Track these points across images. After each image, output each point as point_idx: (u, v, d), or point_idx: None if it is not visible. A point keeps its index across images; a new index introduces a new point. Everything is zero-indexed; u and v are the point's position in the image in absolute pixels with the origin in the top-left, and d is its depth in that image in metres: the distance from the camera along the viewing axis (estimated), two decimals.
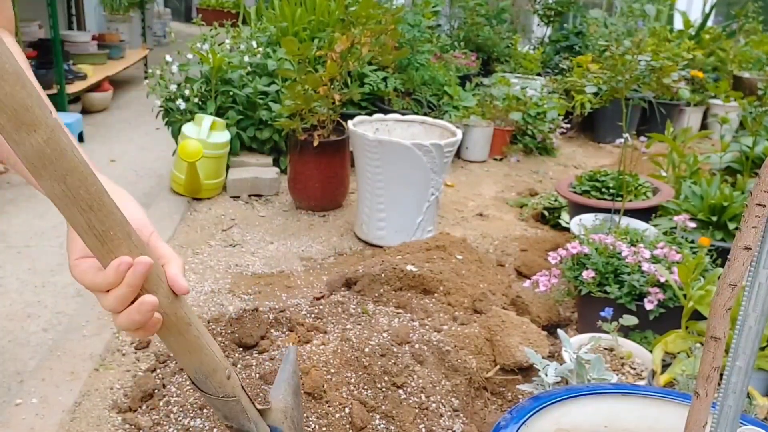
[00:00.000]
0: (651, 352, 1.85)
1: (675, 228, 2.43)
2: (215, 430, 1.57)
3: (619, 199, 2.77)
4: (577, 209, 3.01)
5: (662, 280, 1.98)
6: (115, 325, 0.70)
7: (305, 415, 1.60)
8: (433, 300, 2.19)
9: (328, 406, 1.63)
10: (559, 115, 4.72)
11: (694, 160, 3.25)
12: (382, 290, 2.20)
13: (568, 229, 3.02)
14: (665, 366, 1.80)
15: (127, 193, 0.80)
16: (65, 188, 0.61)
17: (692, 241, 2.31)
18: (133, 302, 0.67)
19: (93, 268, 0.68)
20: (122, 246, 0.66)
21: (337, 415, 1.62)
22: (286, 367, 1.01)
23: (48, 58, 4.71)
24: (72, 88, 4.83)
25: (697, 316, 1.89)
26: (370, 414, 1.65)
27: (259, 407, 0.90)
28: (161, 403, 1.73)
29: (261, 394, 1.65)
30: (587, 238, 2.26)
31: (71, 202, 0.62)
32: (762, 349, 1.76)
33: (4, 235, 2.99)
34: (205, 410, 1.64)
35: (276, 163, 3.80)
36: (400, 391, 1.72)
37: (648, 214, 2.82)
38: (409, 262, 2.33)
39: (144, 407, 1.75)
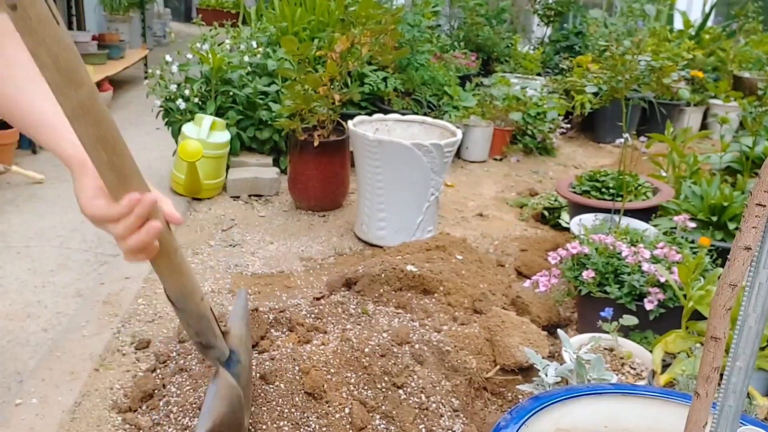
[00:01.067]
0: (651, 352, 1.84)
1: (675, 228, 2.43)
2: None
3: (619, 199, 2.77)
4: (577, 209, 3.01)
5: (662, 280, 1.98)
6: (121, 249, 0.87)
7: (305, 414, 1.60)
8: (433, 300, 2.19)
9: (328, 406, 1.63)
10: (559, 115, 4.72)
11: (694, 160, 3.25)
12: (382, 290, 2.20)
13: (568, 229, 3.02)
14: (665, 366, 1.80)
15: None
16: (98, 132, 0.79)
17: (692, 241, 2.31)
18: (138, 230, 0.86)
19: (105, 204, 0.85)
20: (133, 181, 0.84)
21: (338, 416, 1.62)
22: (239, 304, 1.22)
23: None
24: None
25: (697, 316, 1.89)
26: (371, 414, 1.65)
27: (222, 329, 1.09)
28: (161, 403, 1.73)
29: (260, 393, 1.65)
30: (587, 238, 2.26)
31: (101, 145, 0.80)
32: (762, 349, 1.76)
33: (4, 235, 2.99)
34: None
35: (276, 163, 3.80)
36: (400, 391, 1.72)
37: (648, 214, 2.82)
38: (409, 262, 2.33)
39: (144, 407, 1.75)
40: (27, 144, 4.10)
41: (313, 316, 2.08)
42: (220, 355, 1.13)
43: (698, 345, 1.80)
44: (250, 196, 3.51)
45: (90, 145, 0.80)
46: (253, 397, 1.63)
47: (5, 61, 0.95)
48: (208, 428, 1.10)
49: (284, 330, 1.98)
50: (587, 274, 2.09)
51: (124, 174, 0.83)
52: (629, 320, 1.94)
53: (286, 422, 1.59)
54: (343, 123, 3.28)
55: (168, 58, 3.82)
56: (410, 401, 1.70)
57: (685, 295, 1.92)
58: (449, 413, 1.72)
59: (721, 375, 0.79)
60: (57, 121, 0.91)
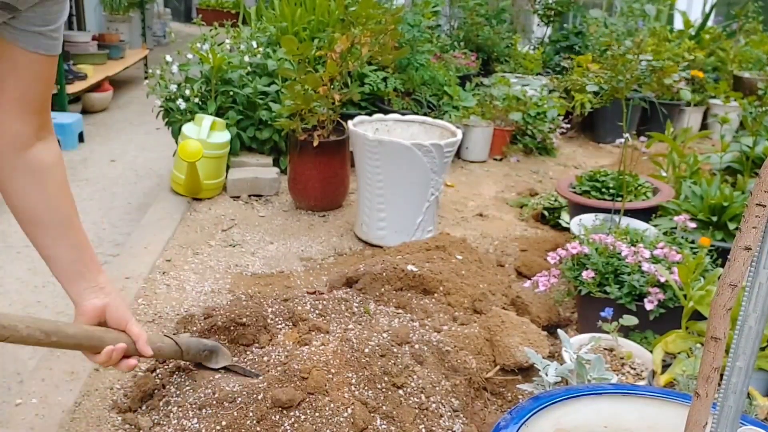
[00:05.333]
0: (651, 352, 1.84)
1: (675, 228, 2.43)
2: (214, 430, 1.57)
3: (619, 199, 2.77)
4: (577, 209, 3.01)
5: (662, 280, 1.98)
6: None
7: (307, 412, 1.60)
8: (433, 300, 2.19)
9: (332, 404, 1.63)
10: (559, 115, 4.72)
11: (695, 160, 3.25)
12: (382, 290, 2.20)
13: (568, 229, 3.01)
14: (665, 366, 1.80)
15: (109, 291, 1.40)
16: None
17: (692, 242, 2.31)
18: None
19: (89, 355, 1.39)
20: (106, 342, 1.35)
21: (340, 417, 1.61)
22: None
23: None
24: (72, 88, 4.83)
25: (697, 316, 1.89)
26: (372, 414, 1.65)
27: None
28: (161, 403, 1.73)
29: (263, 394, 1.65)
30: (587, 238, 2.26)
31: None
32: (762, 349, 1.76)
33: (3, 235, 2.99)
34: (204, 410, 1.64)
35: (276, 163, 3.80)
36: (400, 391, 1.72)
37: (648, 214, 2.82)
38: (409, 262, 2.33)
39: (144, 407, 1.75)
40: None
41: (316, 312, 2.07)
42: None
43: (698, 345, 1.80)
44: (250, 196, 3.51)
45: (71, 346, 1.28)
46: (254, 399, 1.63)
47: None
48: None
49: (286, 323, 1.98)
50: (587, 274, 2.09)
51: (96, 344, 1.32)
52: (629, 320, 1.94)
53: (288, 423, 1.59)
54: (343, 123, 3.28)
55: (168, 58, 3.82)
56: (410, 401, 1.70)
57: (685, 296, 1.92)
58: (449, 413, 1.72)
59: (721, 375, 0.79)
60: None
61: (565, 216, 3.28)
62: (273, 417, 1.59)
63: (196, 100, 3.71)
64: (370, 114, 3.45)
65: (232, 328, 1.95)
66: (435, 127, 3.19)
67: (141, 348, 1.39)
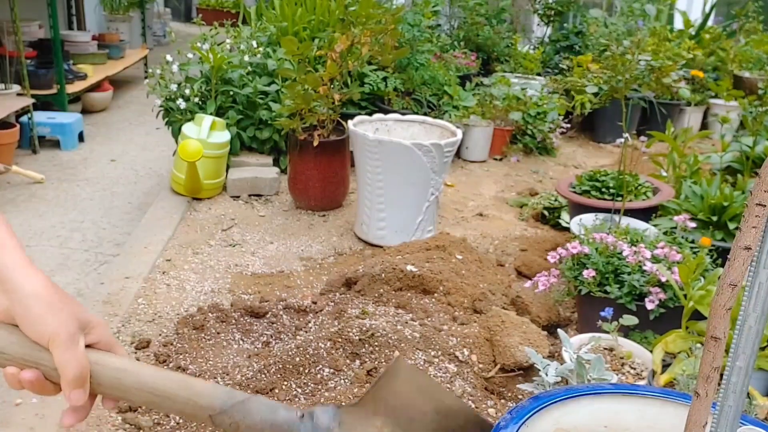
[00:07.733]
0: (651, 352, 1.84)
1: (675, 228, 2.43)
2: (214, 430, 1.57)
3: (619, 199, 2.77)
4: (577, 209, 3.01)
5: (663, 279, 1.98)
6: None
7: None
8: (433, 300, 2.19)
9: None
10: (559, 115, 4.72)
11: (695, 160, 3.25)
12: (382, 290, 2.20)
13: (568, 229, 3.01)
14: (665, 366, 1.80)
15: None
16: None
17: (692, 241, 2.31)
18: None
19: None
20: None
21: None
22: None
23: (48, 58, 4.71)
24: (72, 88, 4.83)
25: (697, 316, 1.89)
26: None
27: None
28: None
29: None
30: (587, 237, 2.26)
31: None
32: (762, 349, 1.76)
33: None
34: None
35: (276, 163, 3.80)
36: None
37: (648, 214, 2.82)
38: (409, 262, 2.32)
39: (144, 407, 1.75)
40: (27, 144, 4.10)
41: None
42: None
43: (698, 345, 1.80)
44: (250, 195, 3.51)
45: None
46: None
47: None
48: None
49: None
50: (588, 273, 2.09)
51: None
52: (629, 320, 1.94)
53: None
54: (343, 123, 3.28)
55: (168, 57, 3.82)
56: None
57: (685, 295, 1.92)
58: None
59: (721, 375, 0.79)
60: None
61: (565, 216, 3.28)
62: None
63: (196, 99, 3.71)
64: (370, 114, 3.45)
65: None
66: (435, 127, 3.19)
67: (65, 390, 0.78)
